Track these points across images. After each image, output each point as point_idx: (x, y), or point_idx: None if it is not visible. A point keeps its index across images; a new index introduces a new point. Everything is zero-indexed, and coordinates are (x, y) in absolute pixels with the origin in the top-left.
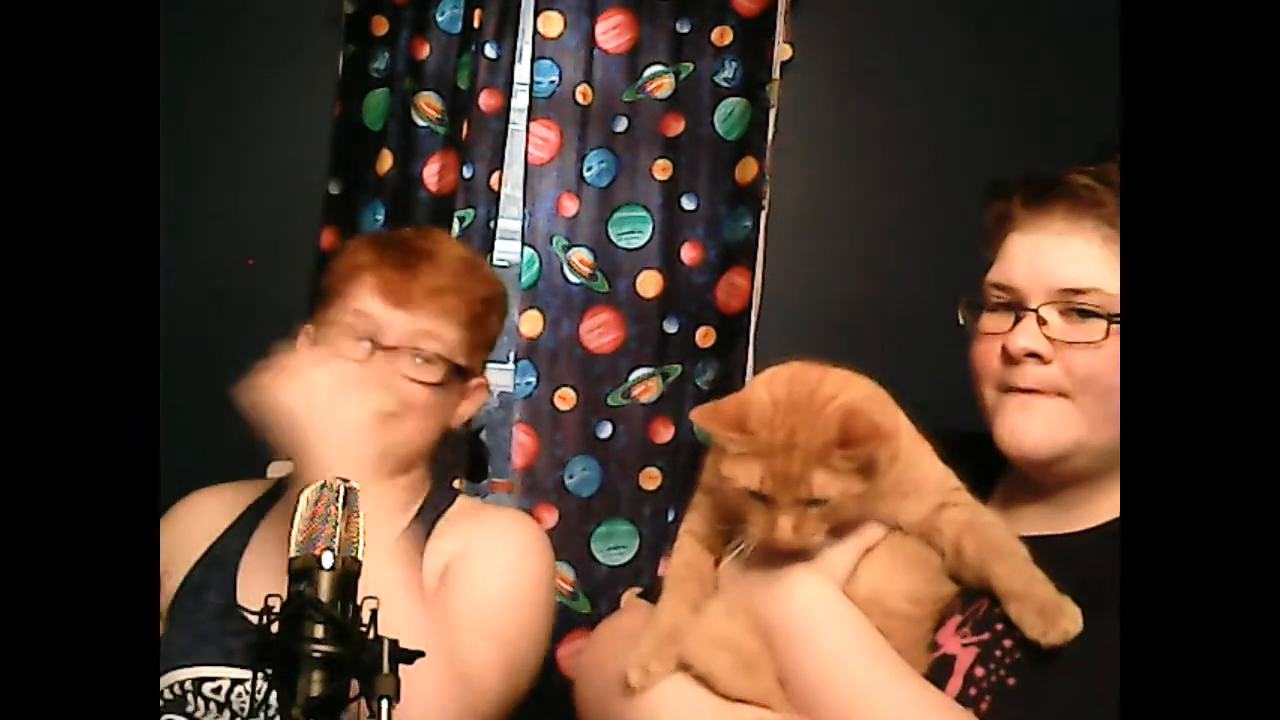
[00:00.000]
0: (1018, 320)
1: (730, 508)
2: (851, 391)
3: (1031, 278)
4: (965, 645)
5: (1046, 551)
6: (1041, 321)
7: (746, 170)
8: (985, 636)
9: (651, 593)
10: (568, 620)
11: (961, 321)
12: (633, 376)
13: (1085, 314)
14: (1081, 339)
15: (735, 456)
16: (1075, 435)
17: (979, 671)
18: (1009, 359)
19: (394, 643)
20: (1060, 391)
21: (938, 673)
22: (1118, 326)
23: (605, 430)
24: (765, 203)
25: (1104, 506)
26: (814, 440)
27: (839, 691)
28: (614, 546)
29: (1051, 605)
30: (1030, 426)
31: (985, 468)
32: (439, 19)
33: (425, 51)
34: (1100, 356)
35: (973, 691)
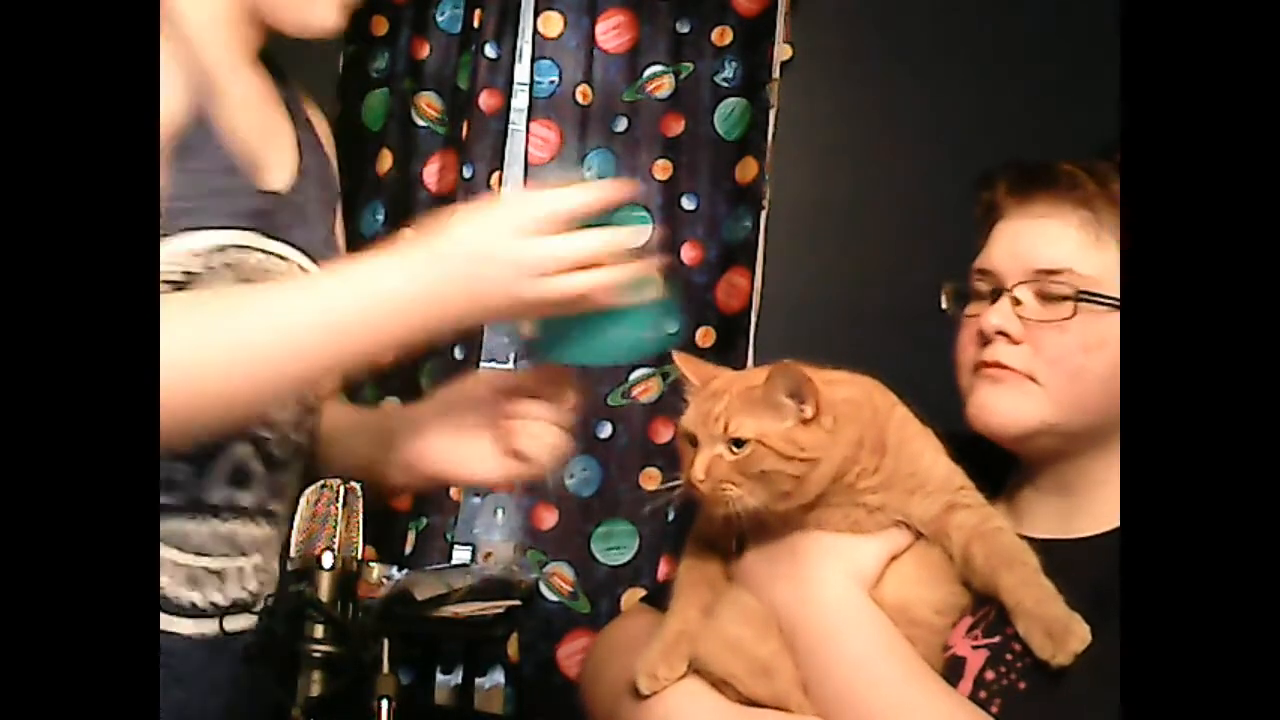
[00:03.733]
0: (994, 302)
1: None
2: (844, 387)
3: (1010, 260)
4: (976, 648)
5: (1055, 556)
6: (1016, 302)
7: (746, 170)
8: (996, 640)
9: (656, 598)
10: (568, 620)
11: (945, 307)
12: (633, 376)
13: (1060, 296)
14: (1051, 318)
15: (687, 405)
16: (1042, 416)
17: (989, 675)
18: (982, 339)
19: (393, 643)
20: (1028, 373)
21: (948, 675)
22: (1087, 307)
23: (605, 430)
24: (765, 203)
25: (1113, 510)
26: (744, 384)
27: (866, 696)
28: (614, 546)
29: (1060, 626)
30: (997, 403)
31: (993, 469)
32: (439, 19)
33: (425, 51)
34: (1068, 338)
35: (983, 694)
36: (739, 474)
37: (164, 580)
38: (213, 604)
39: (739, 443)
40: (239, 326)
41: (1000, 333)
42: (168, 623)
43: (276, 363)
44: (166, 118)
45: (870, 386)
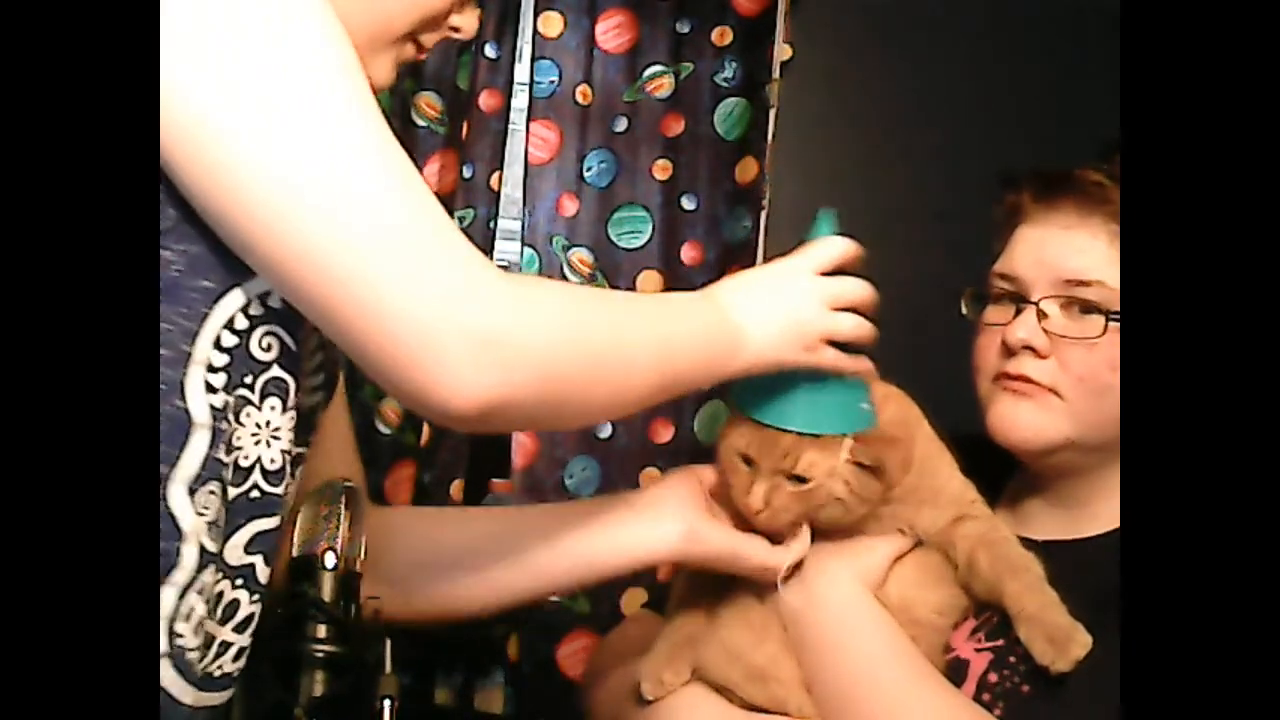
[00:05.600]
0: (1018, 312)
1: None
2: (888, 406)
3: (1035, 269)
4: (979, 650)
5: (1057, 557)
6: (1042, 315)
7: (746, 170)
8: (999, 643)
9: (658, 604)
10: (568, 620)
11: (965, 311)
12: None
13: (1086, 310)
14: (1079, 335)
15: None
16: (1064, 432)
17: (992, 677)
18: (1007, 350)
19: (395, 643)
20: (1053, 388)
21: (951, 677)
22: (1116, 325)
23: (605, 430)
24: (765, 203)
25: (1115, 511)
26: None
27: (872, 697)
28: None
29: (1062, 633)
30: (1019, 417)
31: (993, 469)
32: None
33: None
34: (1096, 355)
35: (986, 697)
36: (799, 505)
37: (191, 642)
38: (226, 675)
39: (802, 478)
40: (629, 324)
41: (1026, 346)
42: (194, 696)
43: (646, 367)
44: None
45: (901, 399)
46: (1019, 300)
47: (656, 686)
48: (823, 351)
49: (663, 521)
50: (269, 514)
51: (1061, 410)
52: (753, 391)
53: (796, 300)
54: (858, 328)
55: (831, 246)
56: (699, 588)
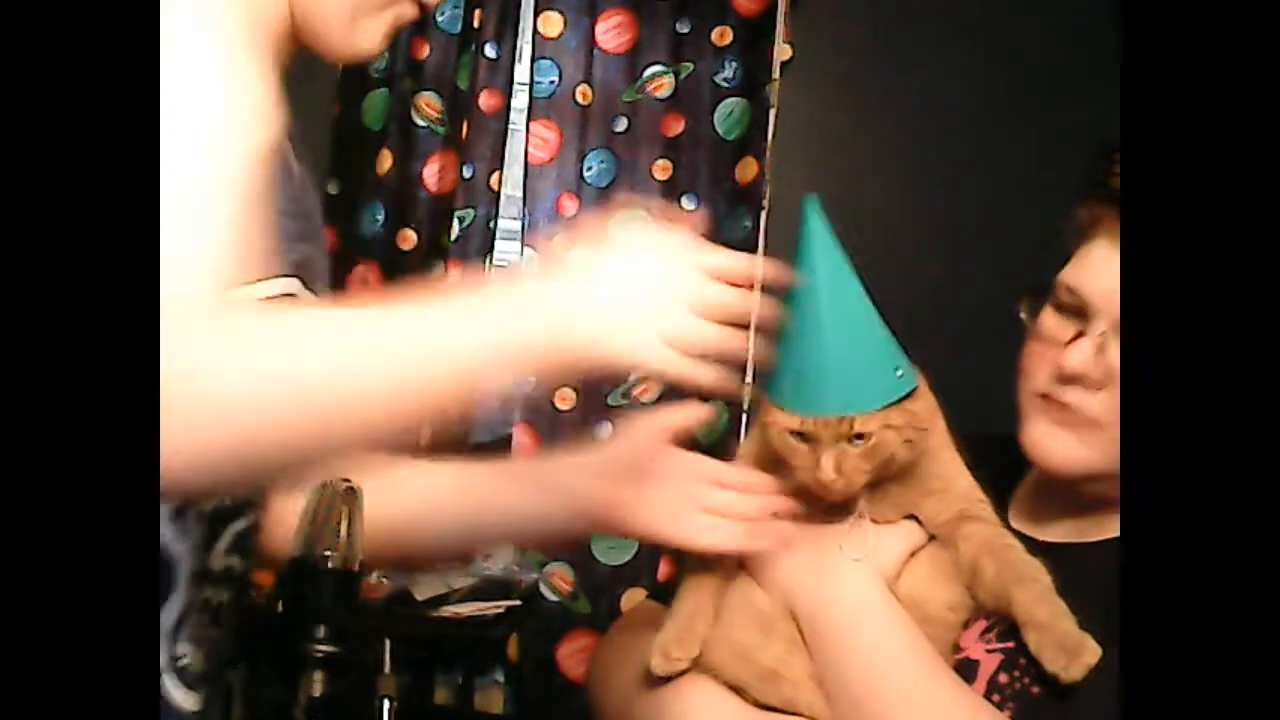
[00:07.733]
0: (1079, 334)
1: (769, 460)
2: None
3: (1105, 298)
4: (990, 651)
5: (1069, 560)
6: (1102, 348)
7: (746, 170)
8: (1010, 644)
9: (660, 598)
10: (568, 620)
11: (1023, 315)
12: (633, 376)
13: None
14: None
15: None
16: (1099, 466)
17: (1003, 678)
18: (1058, 372)
19: (394, 643)
20: (1097, 420)
21: (960, 677)
22: None
23: (605, 430)
24: (765, 203)
25: None
26: None
27: (885, 692)
28: (614, 546)
29: (1073, 641)
30: (1057, 445)
31: (1002, 470)
32: (439, 19)
33: (425, 51)
34: None
35: (996, 698)
36: (868, 464)
37: (194, 658)
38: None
39: (862, 435)
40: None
41: (1081, 375)
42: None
43: (373, 401)
44: (263, 144)
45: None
46: (1081, 321)
47: (665, 662)
48: (675, 360)
49: (577, 506)
50: (242, 515)
51: (1100, 444)
52: (787, 385)
53: (656, 295)
54: (721, 339)
55: (731, 259)
56: (710, 570)
